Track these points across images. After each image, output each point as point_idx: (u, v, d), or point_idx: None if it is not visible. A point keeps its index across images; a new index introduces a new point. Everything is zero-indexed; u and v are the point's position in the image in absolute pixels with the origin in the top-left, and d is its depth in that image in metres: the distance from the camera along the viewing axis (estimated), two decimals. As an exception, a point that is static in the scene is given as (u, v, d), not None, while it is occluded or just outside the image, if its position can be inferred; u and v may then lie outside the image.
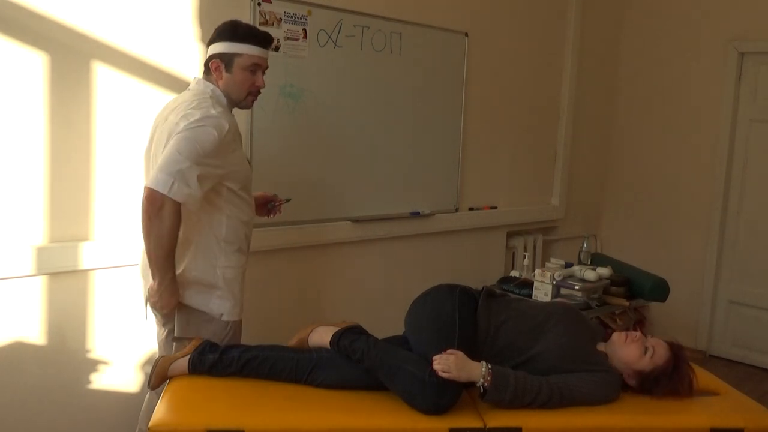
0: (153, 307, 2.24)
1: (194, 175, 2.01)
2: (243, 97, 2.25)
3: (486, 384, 1.99)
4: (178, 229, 2.07)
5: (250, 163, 2.33)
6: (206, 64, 2.24)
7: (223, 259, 2.22)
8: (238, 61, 2.19)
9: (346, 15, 3.15)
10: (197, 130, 2.03)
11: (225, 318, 2.25)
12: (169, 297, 2.14)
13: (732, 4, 4.31)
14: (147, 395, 2.43)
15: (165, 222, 2.02)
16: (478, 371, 2.00)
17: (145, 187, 2.01)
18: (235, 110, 2.31)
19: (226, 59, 2.19)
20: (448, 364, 1.98)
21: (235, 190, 2.20)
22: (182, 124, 2.05)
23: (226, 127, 2.09)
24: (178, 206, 2.02)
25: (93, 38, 2.43)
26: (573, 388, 2.07)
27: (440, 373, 1.97)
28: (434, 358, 2.01)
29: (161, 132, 2.15)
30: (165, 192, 1.98)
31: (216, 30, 2.23)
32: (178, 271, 2.16)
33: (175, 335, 2.25)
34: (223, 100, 2.22)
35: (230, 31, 2.20)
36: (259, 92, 2.29)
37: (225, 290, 2.23)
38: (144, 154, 2.29)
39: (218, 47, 2.20)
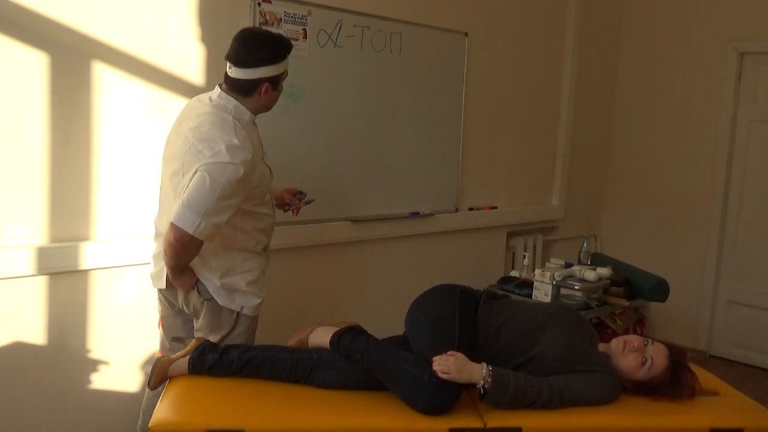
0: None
1: (220, 213, 2.05)
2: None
3: (486, 385, 1.99)
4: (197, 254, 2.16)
5: (270, 170, 2.35)
6: (251, 86, 2.14)
7: (240, 265, 2.26)
8: (282, 77, 2.21)
9: (346, 15, 3.15)
10: (224, 168, 2.01)
11: (246, 312, 2.29)
12: (184, 282, 2.23)
13: (732, 4, 4.31)
14: (146, 393, 2.43)
15: (191, 254, 2.12)
16: (478, 373, 2.00)
17: (172, 224, 2.03)
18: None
19: (275, 81, 2.17)
20: (447, 365, 1.98)
21: (251, 208, 2.22)
22: (207, 154, 2.02)
23: (250, 156, 2.06)
24: (202, 241, 2.09)
25: (93, 38, 2.43)
26: (573, 388, 2.07)
27: (440, 375, 1.97)
28: (434, 359, 2.00)
29: (181, 144, 2.11)
30: (191, 232, 2.02)
31: (264, 50, 2.12)
32: (201, 273, 2.22)
33: (206, 330, 2.29)
34: (246, 116, 2.18)
35: (282, 50, 2.16)
36: None
37: (247, 291, 2.28)
38: (163, 155, 2.29)
39: (272, 69, 2.14)
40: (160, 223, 2.28)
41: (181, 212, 2.02)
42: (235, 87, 2.17)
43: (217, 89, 2.21)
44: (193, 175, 2.03)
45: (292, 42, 2.95)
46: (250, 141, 2.12)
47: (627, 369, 2.19)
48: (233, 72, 2.15)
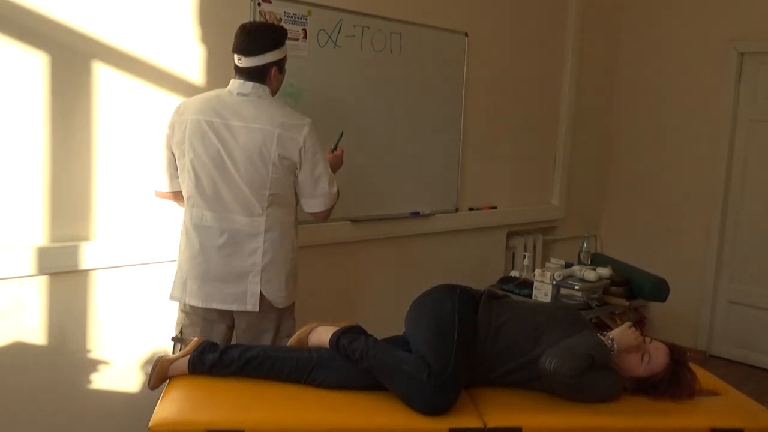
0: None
1: (330, 172, 2.43)
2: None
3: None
4: None
5: None
6: (262, 72, 2.32)
7: (294, 246, 2.46)
8: (284, 61, 2.40)
9: (346, 15, 3.15)
10: (316, 139, 2.34)
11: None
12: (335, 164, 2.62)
13: (732, 4, 4.31)
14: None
15: None
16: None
17: (324, 210, 2.44)
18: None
19: (280, 64, 2.37)
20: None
21: None
22: (300, 139, 2.29)
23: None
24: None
25: (93, 38, 2.43)
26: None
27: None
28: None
29: (251, 139, 2.26)
30: (336, 200, 2.46)
31: (268, 38, 2.32)
32: (284, 266, 2.38)
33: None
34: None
35: (282, 35, 2.37)
36: None
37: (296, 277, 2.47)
38: (208, 160, 2.28)
39: (277, 54, 2.34)
40: (226, 222, 2.31)
41: (326, 198, 2.40)
42: (249, 75, 2.32)
43: (239, 81, 2.33)
44: (298, 162, 2.31)
45: (292, 42, 2.98)
46: None
47: (627, 366, 2.19)
48: (244, 62, 2.31)
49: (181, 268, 2.38)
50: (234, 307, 2.34)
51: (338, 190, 2.45)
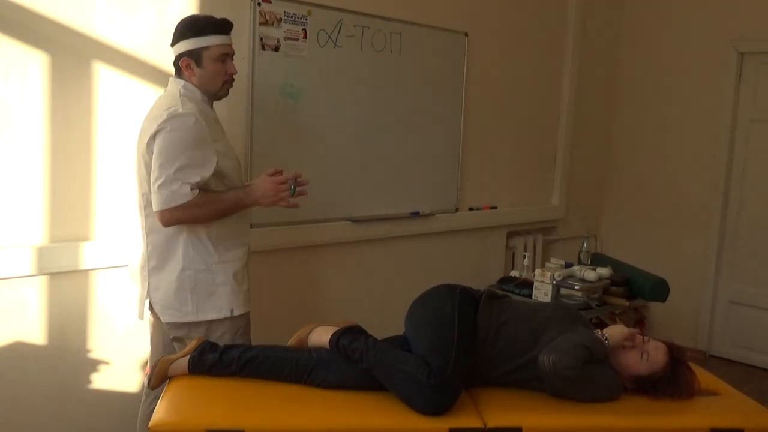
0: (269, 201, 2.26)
1: (186, 171, 2.07)
2: (219, 87, 2.28)
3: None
4: (204, 198, 2.12)
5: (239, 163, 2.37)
6: (176, 64, 2.26)
7: (218, 255, 2.22)
8: (207, 54, 2.21)
9: (346, 15, 3.15)
10: (170, 135, 2.08)
11: (236, 312, 2.26)
12: (257, 198, 2.23)
13: (732, 4, 4.31)
14: (141, 406, 2.43)
15: (197, 212, 2.12)
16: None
17: (156, 213, 2.10)
18: (234, 109, 2.30)
19: (194, 55, 2.21)
20: None
21: (220, 186, 2.22)
22: (154, 127, 2.10)
23: (192, 120, 2.11)
24: (192, 200, 2.08)
25: (93, 38, 2.43)
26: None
27: None
28: None
29: (136, 138, 2.23)
30: (173, 206, 2.07)
31: (177, 30, 2.25)
32: (173, 277, 2.18)
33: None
34: (197, 93, 2.23)
35: (192, 26, 2.22)
36: (233, 79, 2.31)
37: (230, 284, 2.24)
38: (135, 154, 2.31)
39: (184, 45, 2.22)
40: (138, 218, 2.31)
41: (157, 198, 2.07)
42: (174, 69, 2.28)
43: (169, 79, 2.31)
44: (151, 153, 2.10)
45: (292, 42, 2.97)
46: (200, 114, 2.15)
47: (627, 364, 2.20)
48: None
49: None
50: (134, 309, 2.33)
51: (178, 195, 2.05)
